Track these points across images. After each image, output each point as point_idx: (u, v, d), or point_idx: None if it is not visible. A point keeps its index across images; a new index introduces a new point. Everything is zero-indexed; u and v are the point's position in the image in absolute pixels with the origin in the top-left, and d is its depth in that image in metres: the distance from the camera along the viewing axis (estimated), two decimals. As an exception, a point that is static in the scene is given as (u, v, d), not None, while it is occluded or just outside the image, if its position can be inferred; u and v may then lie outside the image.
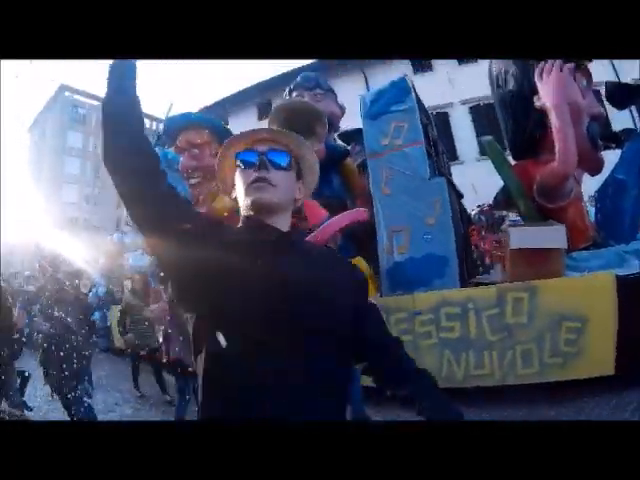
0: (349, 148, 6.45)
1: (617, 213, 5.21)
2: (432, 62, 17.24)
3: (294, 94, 6.02)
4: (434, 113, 9.57)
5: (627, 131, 5.72)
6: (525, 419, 3.40)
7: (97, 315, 8.95)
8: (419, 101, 5.49)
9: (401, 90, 5.33)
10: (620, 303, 3.84)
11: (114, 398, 5.91)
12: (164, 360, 4.51)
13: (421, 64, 17.22)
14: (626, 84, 5.80)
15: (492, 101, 5.81)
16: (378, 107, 5.24)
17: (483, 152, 5.73)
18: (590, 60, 4.91)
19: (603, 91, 5.47)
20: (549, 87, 4.65)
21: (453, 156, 14.67)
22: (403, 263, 4.90)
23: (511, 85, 5.23)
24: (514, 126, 5.39)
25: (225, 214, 6.10)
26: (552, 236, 4.33)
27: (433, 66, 17.35)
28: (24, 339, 4.07)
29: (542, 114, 4.84)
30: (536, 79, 4.82)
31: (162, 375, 5.82)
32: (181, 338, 3.99)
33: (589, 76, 5.05)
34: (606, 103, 5.54)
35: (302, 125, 4.90)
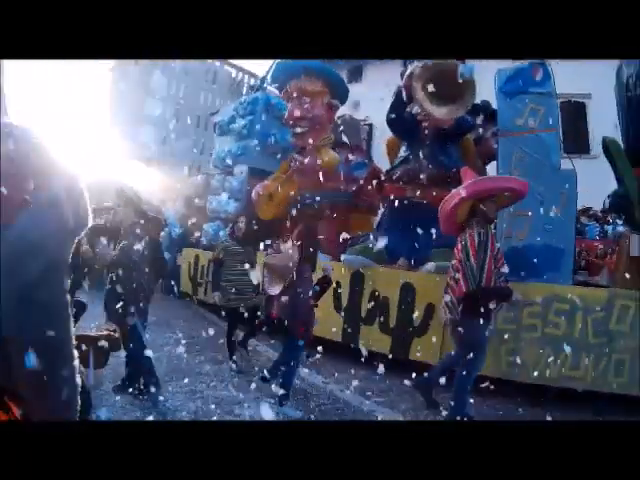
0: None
1: None
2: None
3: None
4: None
5: None
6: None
7: (168, 257, 8.45)
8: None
9: (542, 73, 5.11)
10: None
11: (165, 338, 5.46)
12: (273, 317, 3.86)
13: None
14: None
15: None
16: (515, 85, 5.07)
17: (603, 149, 5.52)
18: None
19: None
20: None
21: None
22: (520, 249, 4.76)
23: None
24: (637, 132, 5.21)
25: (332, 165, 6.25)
26: None
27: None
28: (86, 270, 4.04)
29: None
30: None
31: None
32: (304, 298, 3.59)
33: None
34: None
35: (451, 88, 4.88)
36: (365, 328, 5.07)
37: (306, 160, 6.06)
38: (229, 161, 7.70)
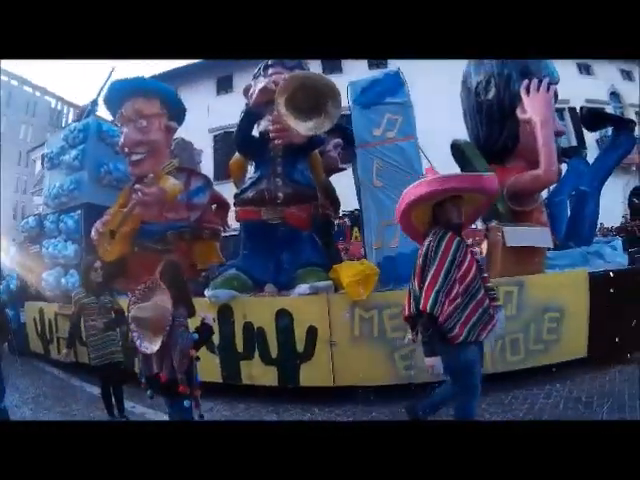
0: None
1: (578, 219, 5.95)
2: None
3: (270, 70, 5.43)
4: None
5: (573, 148, 6.82)
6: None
7: (9, 314, 7.41)
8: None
9: (396, 82, 5.25)
10: (590, 295, 4.45)
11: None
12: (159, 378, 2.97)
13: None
14: (599, 111, 6.85)
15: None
16: (371, 96, 5.10)
17: (452, 153, 5.80)
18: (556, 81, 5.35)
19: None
20: (537, 103, 5.04)
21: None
22: (394, 258, 4.80)
23: (491, 95, 5.50)
24: (487, 133, 5.66)
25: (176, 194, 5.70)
26: (541, 236, 4.83)
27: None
28: None
29: (517, 126, 5.29)
30: (522, 94, 5.15)
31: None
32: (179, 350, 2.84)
33: (556, 96, 5.43)
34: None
35: (311, 100, 4.59)
36: (245, 363, 4.67)
37: (150, 190, 5.42)
38: (63, 198, 6.67)
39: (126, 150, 5.88)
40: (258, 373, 4.61)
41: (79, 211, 6.40)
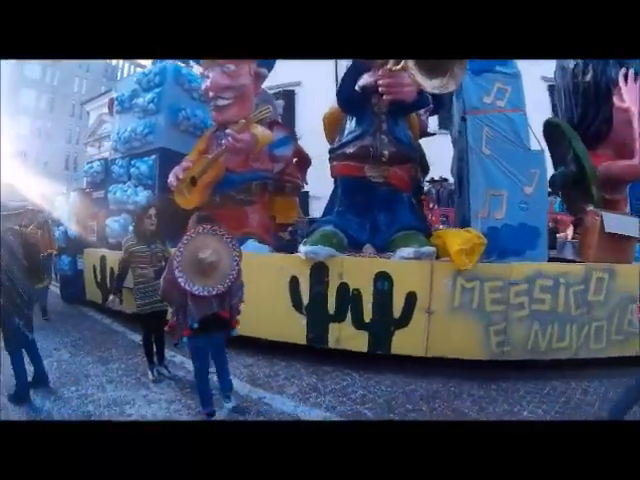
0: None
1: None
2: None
3: None
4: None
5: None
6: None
7: (65, 261, 7.41)
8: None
9: None
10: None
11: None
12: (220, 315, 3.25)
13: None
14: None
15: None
16: (482, 64, 4.90)
17: (546, 131, 5.60)
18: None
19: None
20: (635, 93, 5.02)
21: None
22: (499, 229, 4.68)
23: (589, 77, 5.36)
24: (582, 115, 5.53)
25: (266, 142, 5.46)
26: (636, 226, 4.74)
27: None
28: None
29: (612, 112, 5.19)
30: (620, 82, 5.10)
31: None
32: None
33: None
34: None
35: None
36: (335, 326, 4.43)
37: (242, 136, 5.05)
38: (135, 143, 6.32)
39: (211, 95, 5.51)
40: (347, 337, 4.41)
41: (153, 156, 6.02)
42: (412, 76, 4.24)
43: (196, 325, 3.10)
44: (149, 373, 4.18)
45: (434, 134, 6.47)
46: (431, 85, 4.31)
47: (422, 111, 6.00)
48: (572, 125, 5.58)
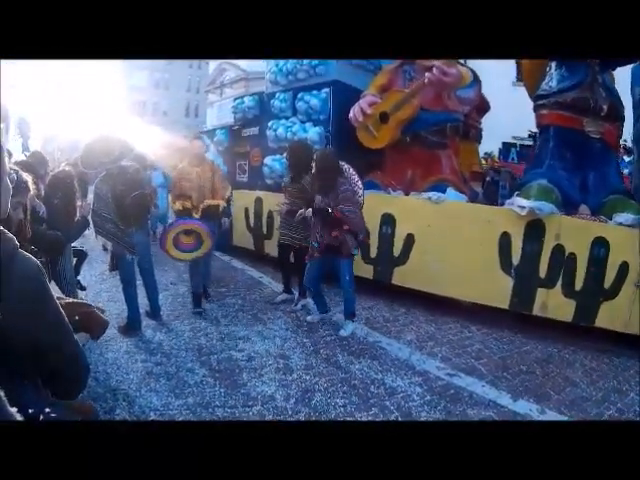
0: None
1: None
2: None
3: None
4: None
5: None
6: None
7: None
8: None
9: None
10: None
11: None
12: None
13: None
14: None
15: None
16: None
17: None
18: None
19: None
20: None
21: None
22: None
23: None
24: None
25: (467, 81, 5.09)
26: None
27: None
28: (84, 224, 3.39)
29: None
30: None
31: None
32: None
33: None
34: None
35: None
36: (543, 292, 4.06)
37: (451, 70, 4.49)
38: (301, 74, 5.86)
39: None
40: (555, 305, 4.04)
41: (326, 89, 5.55)
42: None
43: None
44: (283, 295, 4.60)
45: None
46: None
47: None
48: None
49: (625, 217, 3.92)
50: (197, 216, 4.09)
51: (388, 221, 4.76)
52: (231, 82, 19.02)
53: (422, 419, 2.64)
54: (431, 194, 4.51)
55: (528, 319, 4.15)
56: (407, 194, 4.95)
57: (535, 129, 5.31)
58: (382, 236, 4.81)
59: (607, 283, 3.90)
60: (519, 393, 3.00)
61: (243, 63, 18.63)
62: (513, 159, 10.00)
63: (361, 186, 3.83)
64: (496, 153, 10.25)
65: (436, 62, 4.52)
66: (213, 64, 24.39)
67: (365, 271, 4.89)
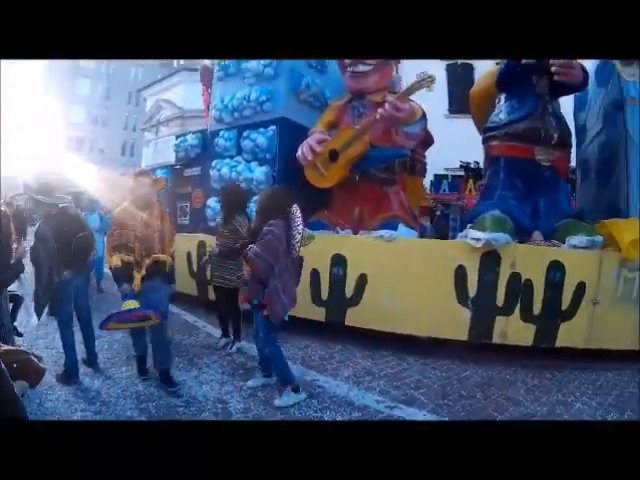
0: None
1: None
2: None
3: None
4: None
5: None
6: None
7: None
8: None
9: None
10: None
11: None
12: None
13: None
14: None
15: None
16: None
17: None
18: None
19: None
20: None
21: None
22: None
23: None
24: None
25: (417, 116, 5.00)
26: None
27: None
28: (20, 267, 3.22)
29: None
30: None
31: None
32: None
33: None
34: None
35: None
36: (502, 320, 4.13)
37: (404, 106, 4.52)
38: (247, 111, 5.72)
39: (348, 60, 5.03)
40: (514, 330, 4.14)
41: (273, 127, 5.45)
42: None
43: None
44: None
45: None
46: (629, 73, 4.49)
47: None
48: None
49: (579, 239, 4.16)
50: (140, 274, 3.36)
51: (339, 262, 4.61)
52: (167, 120, 18.74)
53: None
54: (382, 232, 4.46)
55: (466, 345, 4.22)
56: (356, 232, 4.89)
57: (466, 159, 5.56)
58: (333, 277, 4.64)
59: (565, 304, 4.08)
60: (461, 418, 3.00)
61: (180, 101, 18.48)
62: (445, 190, 10.46)
63: (300, 232, 3.22)
64: (428, 185, 10.72)
65: (389, 97, 4.57)
66: (150, 101, 24.18)
67: (317, 314, 4.71)
